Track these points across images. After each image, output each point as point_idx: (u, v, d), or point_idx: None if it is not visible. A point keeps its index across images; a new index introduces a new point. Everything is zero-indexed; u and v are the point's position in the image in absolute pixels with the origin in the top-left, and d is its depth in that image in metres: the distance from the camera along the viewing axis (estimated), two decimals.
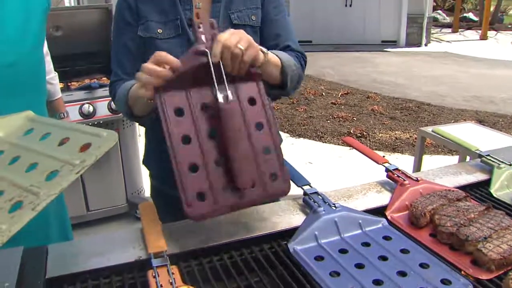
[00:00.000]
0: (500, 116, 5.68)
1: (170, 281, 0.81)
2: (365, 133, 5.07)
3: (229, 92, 0.98)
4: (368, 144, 4.77)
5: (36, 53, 1.14)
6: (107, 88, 3.02)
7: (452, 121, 5.41)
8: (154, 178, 1.44)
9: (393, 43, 11.38)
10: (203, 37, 0.99)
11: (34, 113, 0.90)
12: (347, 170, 4.23)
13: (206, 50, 0.97)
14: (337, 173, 4.17)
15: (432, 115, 5.75)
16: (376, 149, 4.67)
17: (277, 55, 1.20)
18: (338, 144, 4.87)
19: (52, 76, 1.62)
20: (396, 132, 5.14)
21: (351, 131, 5.19)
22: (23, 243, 0.92)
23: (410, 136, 4.96)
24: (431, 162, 4.18)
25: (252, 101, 1.04)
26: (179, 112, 0.96)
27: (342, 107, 6.15)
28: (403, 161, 4.27)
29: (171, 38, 1.24)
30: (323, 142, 4.98)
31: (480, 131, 2.94)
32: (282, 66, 1.20)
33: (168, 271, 0.84)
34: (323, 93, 6.82)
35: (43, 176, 0.69)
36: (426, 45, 11.35)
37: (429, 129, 2.95)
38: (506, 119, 5.57)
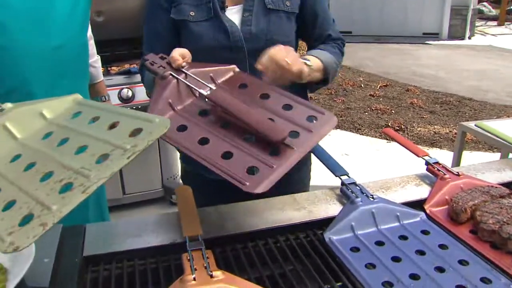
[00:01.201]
0: None
1: (205, 265, 0.82)
2: (403, 127, 4.96)
3: (210, 85, 1.05)
4: (406, 138, 4.66)
5: (82, 36, 1.16)
6: None
7: (495, 117, 5.21)
8: (185, 161, 1.46)
9: (435, 36, 11.04)
10: (158, 69, 1.08)
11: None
12: (384, 163, 4.16)
13: (168, 73, 1.05)
14: (373, 165, 4.10)
15: (474, 111, 5.57)
16: (414, 143, 4.56)
17: (319, 58, 1.24)
18: (376, 137, 4.78)
19: (95, 59, 1.66)
20: (435, 126, 5.00)
21: (389, 124, 5.08)
22: (62, 221, 0.95)
23: (450, 131, 4.82)
24: (471, 158, 4.05)
25: (243, 86, 1.09)
26: (182, 128, 0.98)
27: (381, 99, 6.04)
28: (442, 157, 4.11)
29: (203, 21, 1.24)
30: (360, 134, 4.90)
31: None
32: (325, 68, 1.25)
33: (202, 255, 0.85)
34: (362, 85, 6.70)
35: (94, 159, 0.69)
36: (469, 38, 10.96)
37: (471, 123, 2.86)
38: None
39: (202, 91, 1.03)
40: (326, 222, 1.03)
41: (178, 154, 3.43)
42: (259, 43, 1.24)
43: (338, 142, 4.65)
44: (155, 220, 1.07)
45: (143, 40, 1.35)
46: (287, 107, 1.02)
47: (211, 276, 0.79)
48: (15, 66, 1.04)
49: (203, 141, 0.94)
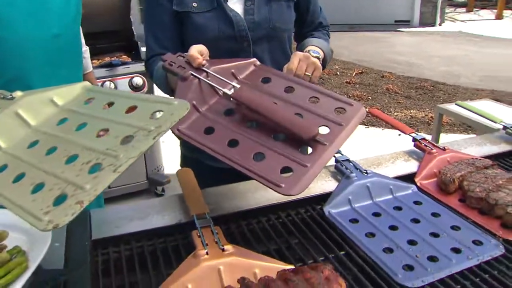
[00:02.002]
0: None
1: (215, 240, 0.85)
2: None
3: (233, 83, 1.03)
4: (383, 123, 4.76)
5: (76, 25, 1.18)
6: (128, 66, 3.04)
7: (468, 100, 5.37)
8: (185, 147, 1.48)
9: (407, 23, 11.22)
10: (178, 69, 1.04)
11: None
12: (364, 148, 4.25)
13: (189, 73, 1.02)
14: (353, 151, 4.18)
15: (448, 94, 5.71)
16: (392, 128, 4.66)
17: (321, 49, 1.31)
18: None
19: (84, 49, 1.65)
20: (412, 110, 5.12)
21: (366, 109, 5.17)
22: None
23: (426, 115, 4.94)
24: (447, 140, 4.16)
25: (265, 80, 1.07)
26: (209, 130, 0.95)
27: (357, 86, 6.13)
28: None
29: (206, 12, 1.25)
30: None
31: (498, 108, 2.94)
32: (324, 58, 1.32)
33: (212, 231, 0.88)
34: (338, 73, 6.79)
35: (118, 141, 0.70)
36: (440, 24, 11.18)
37: (448, 105, 2.96)
38: None
39: (226, 90, 1.02)
40: (323, 198, 1.08)
41: (161, 146, 3.46)
42: (262, 31, 1.27)
43: None
44: (157, 203, 1.09)
45: (144, 33, 1.34)
46: (314, 99, 1.01)
47: (223, 250, 0.82)
48: (14, 57, 1.05)
49: (232, 143, 0.92)
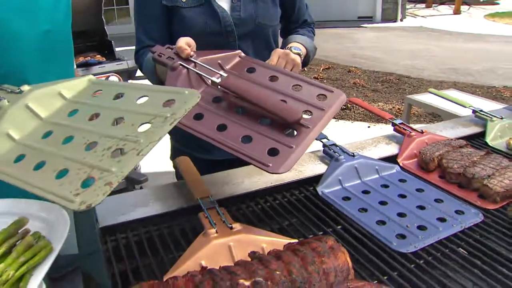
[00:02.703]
0: (477, 86, 5.87)
1: (222, 219, 0.90)
2: (349, 105, 5.20)
3: (220, 72, 1.08)
4: (353, 116, 4.91)
5: (67, 22, 1.19)
6: (104, 65, 3.04)
7: None
8: (175, 141, 1.52)
9: (369, 19, 11.51)
10: (167, 60, 1.09)
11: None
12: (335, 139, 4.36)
13: (178, 64, 1.07)
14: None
15: (413, 87, 5.92)
16: (360, 120, 4.82)
17: (304, 46, 1.36)
18: None
19: None
20: (379, 103, 5.28)
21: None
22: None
23: (393, 107, 5.11)
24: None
25: (250, 70, 1.13)
26: (199, 116, 1.00)
27: (325, 81, 6.27)
28: (388, 131, 4.41)
29: (194, 7, 1.30)
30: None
31: (463, 97, 3.09)
32: (307, 55, 1.38)
33: (217, 211, 0.93)
34: (305, 68, 6.92)
35: (135, 128, 0.72)
36: (401, 20, 11.52)
37: (416, 96, 3.09)
38: (483, 89, 5.77)
39: (214, 78, 1.07)
40: (314, 179, 1.15)
41: None
42: (248, 27, 1.33)
43: None
44: (158, 191, 1.13)
45: (134, 26, 1.39)
46: (297, 87, 1.07)
47: (231, 228, 0.88)
48: (8, 52, 1.06)
49: (221, 127, 0.97)
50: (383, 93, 5.70)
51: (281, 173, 0.89)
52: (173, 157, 1.54)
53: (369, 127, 4.66)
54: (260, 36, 1.40)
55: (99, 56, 3.03)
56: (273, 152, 0.92)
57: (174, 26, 1.33)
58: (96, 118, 0.80)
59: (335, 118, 4.87)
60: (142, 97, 0.81)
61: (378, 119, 4.85)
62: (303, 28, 1.49)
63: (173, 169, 1.45)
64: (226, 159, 1.29)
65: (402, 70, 6.76)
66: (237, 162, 1.31)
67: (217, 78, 1.07)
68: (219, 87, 1.06)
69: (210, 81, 1.08)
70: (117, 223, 1.02)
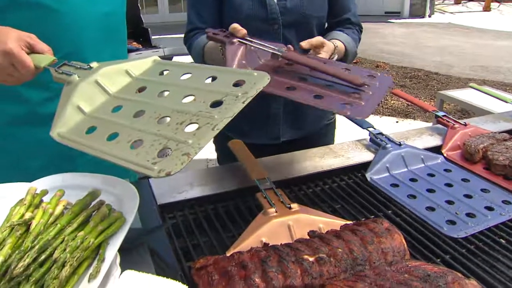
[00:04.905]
0: (508, 85, 5.79)
1: (280, 200, 0.95)
2: None
3: (276, 48, 1.13)
4: (381, 110, 4.90)
5: (123, 5, 1.26)
6: (141, 52, 3.08)
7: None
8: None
9: (397, 14, 11.39)
10: (223, 37, 1.15)
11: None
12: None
13: (236, 40, 1.12)
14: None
15: (441, 84, 5.87)
16: (389, 115, 4.81)
17: (343, 43, 1.37)
18: None
19: None
20: None
21: (391, 89, 5.29)
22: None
23: None
24: None
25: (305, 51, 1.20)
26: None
27: None
28: (417, 127, 4.40)
29: None
30: None
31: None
32: (346, 51, 1.38)
33: (275, 192, 0.98)
34: None
35: (207, 104, 0.74)
36: (429, 16, 11.37)
37: (448, 92, 3.09)
38: None
39: (276, 51, 1.11)
40: (362, 167, 1.19)
41: None
42: (293, 16, 1.36)
43: None
44: (213, 172, 1.19)
45: (187, 9, 1.45)
46: (345, 70, 1.11)
47: (289, 208, 0.92)
48: (70, 32, 1.11)
49: (291, 88, 1.04)
50: (411, 88, 5.67)
51: (366, 116, 0.94)
52: (218, 142, 1.59)
53: (397, 122, 4.65)
54: (304, 27, 1.42)
55: (135, 43, 3.10)
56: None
57: (223, 10, 1.39)
58: (166, 94, 0.83)
59: None
60: (209, 77, 0.83)
61: (407, 114, 4.84)
62: (348, 29, 1.50)
63: (205, 156, 1.49)
64: (260, 144, 1.36)
65: (431, 66, 6.70)
66: (270, 148, 1.35)
67: (278, 50, 1.12)
68: (279, 59, 1.12)
69: (275, 54, 1.12)
70: (174, 201, 1.07)
